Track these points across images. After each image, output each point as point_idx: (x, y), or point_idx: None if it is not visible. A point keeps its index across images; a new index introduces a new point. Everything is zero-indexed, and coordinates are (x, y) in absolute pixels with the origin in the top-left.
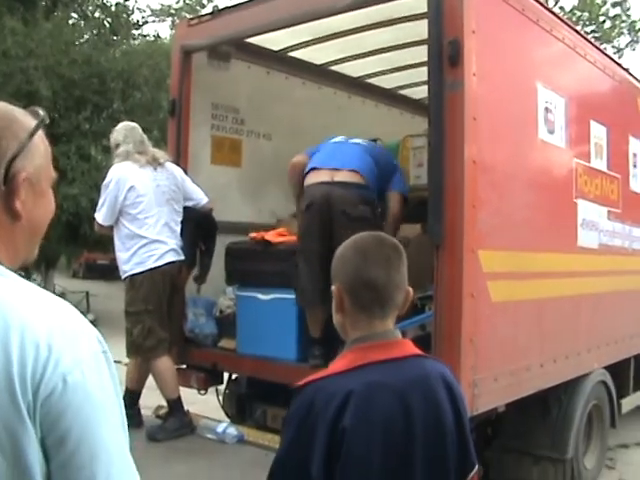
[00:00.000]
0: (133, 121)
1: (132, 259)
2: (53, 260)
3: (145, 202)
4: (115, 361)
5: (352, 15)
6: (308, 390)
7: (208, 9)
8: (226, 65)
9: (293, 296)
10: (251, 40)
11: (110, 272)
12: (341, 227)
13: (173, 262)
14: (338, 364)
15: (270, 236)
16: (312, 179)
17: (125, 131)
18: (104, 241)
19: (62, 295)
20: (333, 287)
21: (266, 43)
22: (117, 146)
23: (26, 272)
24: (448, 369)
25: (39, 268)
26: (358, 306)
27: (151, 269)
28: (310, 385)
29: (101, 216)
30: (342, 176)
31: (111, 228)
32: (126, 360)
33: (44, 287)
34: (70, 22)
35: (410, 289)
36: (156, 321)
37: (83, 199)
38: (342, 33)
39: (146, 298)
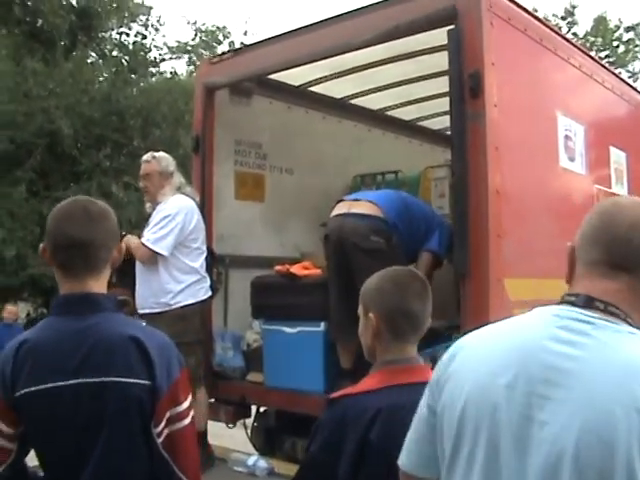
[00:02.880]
0: None
1: (184, 291)
2: None
3: (201, 237)
4: None
5: (371, 49)
6: (342, 403)
7: (224, 46)
8: (248, 101)
9: (319, 328)
10: (272, 76)
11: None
12: (356, 259)
13: (211, 297)
14: (369, 382)
15: (295, 269)
16: (334, 211)
17: (174, 162)
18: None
19: None
20: (370, 315)
21: (287, 79)
22: (171, 174)
23: None
24: None
25: None
26: (394, 334)
27: (201, 301)
28: (344, 399)
29: (165, 246)
30: (358, 207)
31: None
32: None
33: None
34: (89, 61)
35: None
36: (204, 352)
37: None
38: (361, 67)
39: (198, 329)
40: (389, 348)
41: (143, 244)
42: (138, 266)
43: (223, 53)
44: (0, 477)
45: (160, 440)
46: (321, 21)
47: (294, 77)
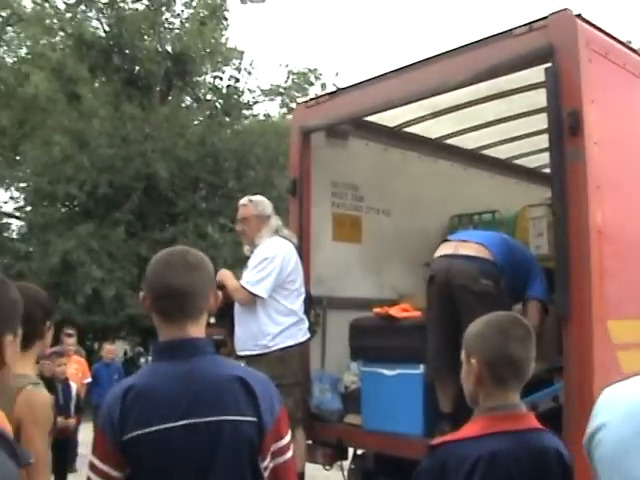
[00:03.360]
0: None
1: (283, 333)
2: None
3: (299, 279)
4: None
5: (465, 89)
6: (442, 450)
7: (316, 87)
8: (344, 143)
9: (419, 371)
10: (368, 117)
11: (224, 346)
12: (464, 302)
13: (309, 339)
14: (470, 429)
15: (394, 311)
16: (438, 252)
17: (271, 205)
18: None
19: None
20: (472, 361)
21: (382, 120)
22: (268, 217)
23: None
24: (562, 445)
25: None
26: (496, 379)
27: (300, 343)
28: (444, 446)
29: (264, 289)
30: (466, 249)
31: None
32: None
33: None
34: (184, 105)
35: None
36: (302, 394)
37: None
38: (456, 107)
39: (296, 371)
40: (491, 394)
41: (242, 287)
42: (237, 308)
43: (319, 96)
44: None
45: (266, 474)
46: (416, 62)
47: (389, 118)
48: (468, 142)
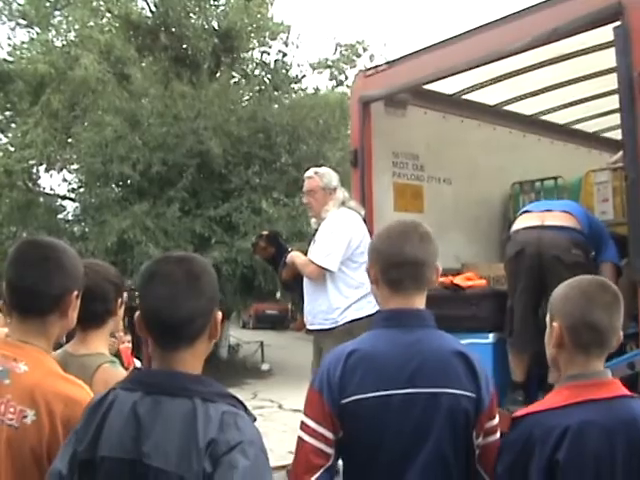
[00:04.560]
0: (299, 173)
1: (352, 306)
2: (228, 312)
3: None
4: (293, 410)
5: (525, 54)
6: (527, 421)
7: (364, 59)
8: (403, 112)
9: (488, 341)
10: (425, 86)
11: (279, 322)
12: (554, 273)
13: (378, 311)
14: (555, 399)
15: (459, 280)
16: (521, 223)
17: (337, 176)
18: (275, 291)
19: (237, 346)
20: (554, 324)
21: (441, 88)
22: (334, 189)
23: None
24: None
25: None
26: (577, 345)
27: (368, 315)
28: (529, 417)
29: (333, 262)
30: (554, 218)
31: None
32: None
33: (220, 339)
34: (233, 81)
35: (621, 334)
36: None
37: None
38: (515, 72)
39: None
40: (572, 360)
41: (311, 261)
42: (306, 282)
43: (378, 65)
44: None
45: (477, 452)
46: (476, 28)
47: (448, 86)
48: (527, 108)
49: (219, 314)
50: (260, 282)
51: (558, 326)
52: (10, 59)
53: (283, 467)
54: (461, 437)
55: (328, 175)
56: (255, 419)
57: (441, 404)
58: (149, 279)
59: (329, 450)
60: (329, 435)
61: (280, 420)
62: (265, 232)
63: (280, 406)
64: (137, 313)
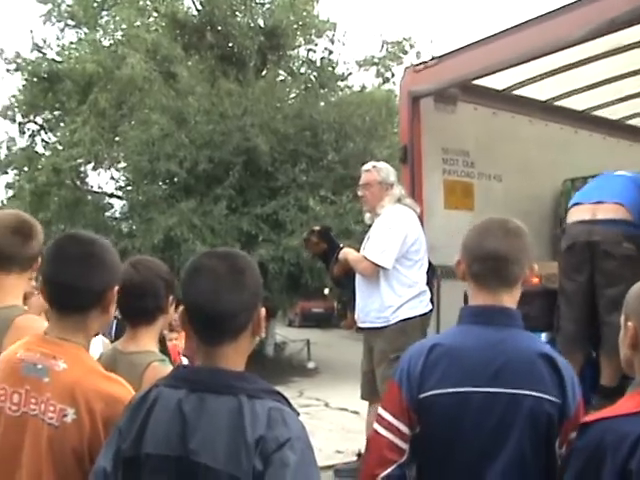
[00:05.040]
0: (346, 171)
1: (404, 305)
2: (274, 310)
3: (423, 249)
4: (340, 408)
5: (578, 47)
6: (598, 427)
7: (411, 56)
8: (453, 108)
9: (541, 339)
10: (475, 81)
11: (325, 320)
12: (605, 268)
13: (431, 310)
14: (628, 404)
15: None
16: (573, 216)
17: (394, 172)
18: (322, 289)
19: (283, 344)
20: (629, 324)
21: (491, 83)
22: (391, 185)
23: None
24: None
25: None
26: None
27: (421, 314)
28: (600, 422)
29: (388, 259)
30: (604, 211)
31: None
32: (353, 407)
33: (265, 337)
34: (279, 79)
35: None
36: None
37: (303, 250)
38: (567, 66)
39: None
40: None
41: (365, 257)
42: (358, 279)
43: (427, 60)
44: (389, 476)
45: (559, 463)
46: (528, 20)
47: (498, 81)
48: (578, 103)
49: (263, 310)
50: (307, 280)
51: (633, 326)
52: (59, 59)
53: (330, 467)
54: (542, 442)
55: (386, 170)
56: (299, 414)
57: (523, 406)
58: (193, 273)
59: (404, 445)
60: (405, 430)
61: (327, 419)
62: (317, 227)
63: (326, 404)
64: (180, 308)
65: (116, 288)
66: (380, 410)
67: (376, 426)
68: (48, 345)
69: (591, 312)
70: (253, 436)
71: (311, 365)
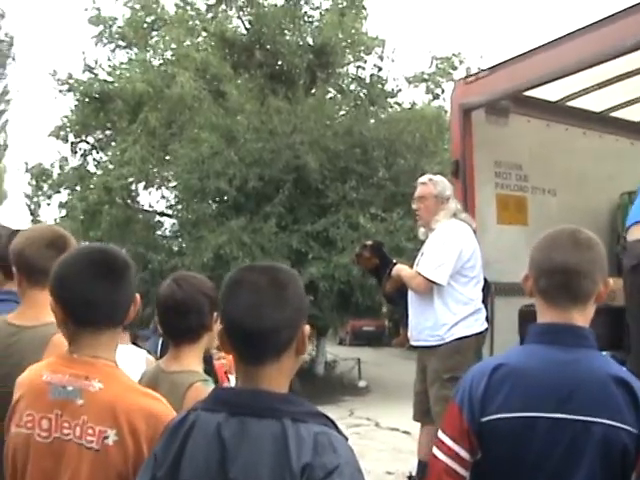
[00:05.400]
0: (397, 188)
1: (459, 323)
2: (324, 329)
3: (478, 265)
4: (391, 428)
5: (632, 55)
6: None
7: (460, 72)
8: (505, 120)
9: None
10: (528, 92)
11: (376, 338)
12: None
13: (486, 329)
14: None
15: None
16: (636, 234)
17: (451, 187)
18: (375, 307)
19: (334, 362)
20: None
21: (544, 94)
22: (447, 199)
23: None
24: None
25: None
26: None
27: (477, 333)
28: None
29: (443, 276)
30: None
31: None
32: (404, 427)
33: (316, 355)
34: (328, 96)
35: None
36: None
37: (354, 268)
38: (621, 76)
39: (473, 363)
40: None
41: (419, 273)
42: (411, 296)
43: (478, 72)
44: None
45: None
46: (581, 29)
47: (551, 92)
48: (634, 114)
49: (307, 327)
50: (357, 298)
51: None
52: (110, 79)
53: None
54: (617, 475)
55: (442, 184)
56: (347, 439)
57: (594, 435)
58: (232, 288)
59: (463, 472)
60: (465, 455)
61: (377, 439)
62: (369, 242)
63: (377, 424)
64: (219, 327)
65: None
66: (440, 433)
67: (435, 450)
68: (78, 365)
69: None
70: (298, 463)
71: (362, 384)
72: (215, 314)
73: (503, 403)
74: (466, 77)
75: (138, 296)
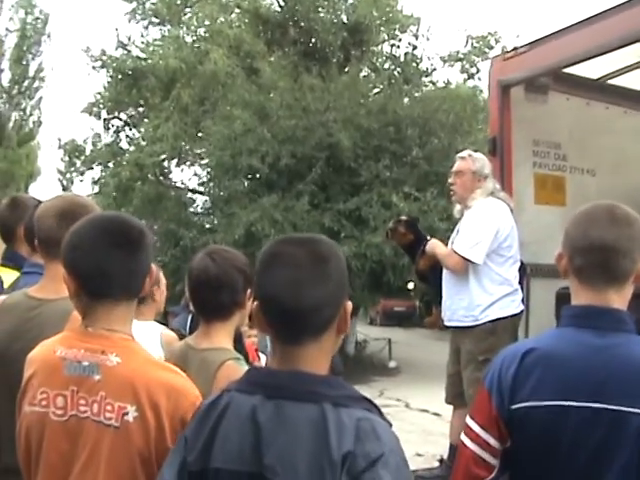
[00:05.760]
0: (430, 167)
1: (494, 304)
2: (356, 308)
3: (515, 245)
4: (421, 409)
5: None
6: None
7: (496, 51)
8: (544, 98)
9: None
10: (568, 70)
11: (407, 319)
12: None
13: (522, 311)
14: None
15: None
16: None
17: (490, 165)
18: (406, 288)
19: (364, 342)
20: None
21: (585, 72)
22: (485, 178)
23: None
24: None
25: None
26: None
27: (513, 315)
28: None
29: (479, 254)
30: None
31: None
32: (434, 409)
33: (347, 335)
34: (362, 74)
35: None
36: None
37: (387, 247)
38: None
39: (507, 345)
40: None
41: (454, 251)
42: (445, 275)
43: (518, 47)
44: None
45: None
46: (624, 3)
47: (592, 69)
48: None
49: (349, 304)
50: (389, 278)
51: None
52: (143, 56)
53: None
54: None
55: (482, 160)
56: (391, 425)
57: (631, 426)
58: (268, 262)
59: (493, 461)
60: (494, 443)
61: (407, 420)
62: (404, 217)
63: (407, 405)
64: (254, 304)
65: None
66: (468, 419)
67: (463, 437)
68: (94, 339)
69: None
70: (339, 451)
71: (392, 364)
72: (249, 291)
73: (534, 390)
74: (505, 52)
75: (154, 267)
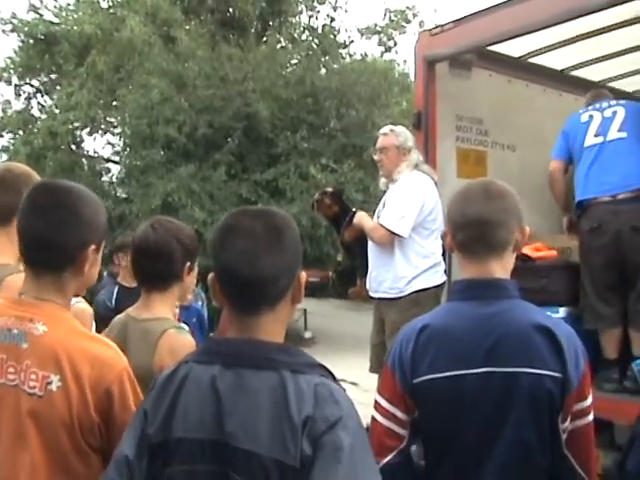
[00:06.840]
0: (348, 139)
1: (419, 276)
2: None
3: (439, 219)
4: (338, 379)
5: (596, 15)
6: None
7: (413, 25)
8: (467, 74)
9: (556, 315)
10: (491, 47)
11: (320, 289)
12: (633, 246)
13: (444, 282)
14: None
15: (528, 250)
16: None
17: (412, 137)
18: (323, 259)
19: None
20: None
21: (507, 50)
22: (409, 150)
23: None
24: None
25: None
26: None
27: (436, 286)
28: None
29: (405, 228)
30: (626, 194)
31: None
32: (351, 378)
33: None
34: (280, 46)
35: None
36: None
37: (303, 218)
38: (584, 35)
39: None
40: None
41: (381, 225)
42: (371, 248)
43: (444, 24)
44: (389, 464)
45: (564, 437)
46: None
47: (515, 48)
48: (595, 74)
49: (303, 275)
50: (306, 248)
51: None
52: (56, 20)
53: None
54: (545, 421)
55: (404, 134)
56: (345, 390)
57: (521, 385)
58: (225, 234)
59: (402, 431)
60: (401, 416)
61: None
62: (330, 189)
63: None
64: (210, 275)
65: (94, 247)
66: (376, 395)
67: (373, 412)
68: (23, 307)
69: (621, 292)
70: (299, 416)
71: (308, 335)
72: (188, 264)
73: (431, 364)
74: (431, 29)
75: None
